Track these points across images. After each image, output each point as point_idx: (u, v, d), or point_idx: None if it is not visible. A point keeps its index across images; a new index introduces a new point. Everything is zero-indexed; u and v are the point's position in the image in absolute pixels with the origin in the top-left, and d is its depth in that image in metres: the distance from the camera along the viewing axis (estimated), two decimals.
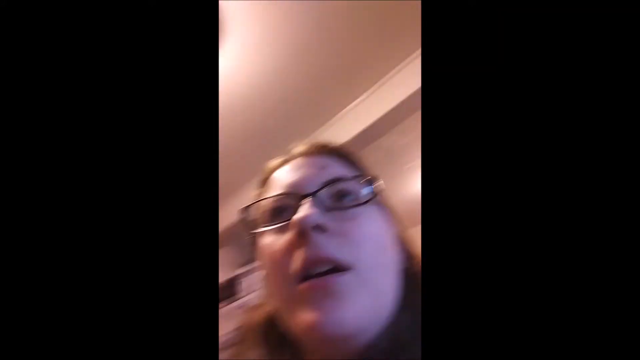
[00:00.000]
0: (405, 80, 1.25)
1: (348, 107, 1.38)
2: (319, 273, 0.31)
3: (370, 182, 0.36)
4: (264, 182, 0.41)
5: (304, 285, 0.31)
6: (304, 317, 0.31)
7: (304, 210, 0.32)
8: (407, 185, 1.91)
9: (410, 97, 1.23)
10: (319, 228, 0.32)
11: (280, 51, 1.14)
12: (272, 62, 1.17)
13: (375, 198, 0.36)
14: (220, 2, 0.95)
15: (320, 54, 1.17)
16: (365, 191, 0.36)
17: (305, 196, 0.34)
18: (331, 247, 0.32)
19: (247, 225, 0.37)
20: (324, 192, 0.35)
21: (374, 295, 0.32)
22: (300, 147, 0.42)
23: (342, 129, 1.42)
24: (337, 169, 0.38)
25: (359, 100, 1.36)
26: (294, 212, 0.33)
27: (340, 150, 0.41)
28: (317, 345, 0.33)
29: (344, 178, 0.36)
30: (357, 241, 0.33)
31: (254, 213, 0.38)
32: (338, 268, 0.31)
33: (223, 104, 1.26)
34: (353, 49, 1.16)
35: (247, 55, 1.15)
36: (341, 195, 0.35)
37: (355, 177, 0.37)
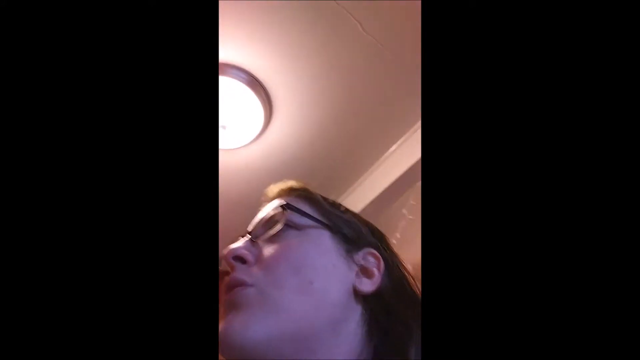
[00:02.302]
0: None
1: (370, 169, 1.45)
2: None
3: (284, 207, 0.39)
4: None
5: (222, 298, 0.36)
6: (220, 326, 0.35)
7: (233, 244, 0.39)
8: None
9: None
10: (238, 258, 0.38)
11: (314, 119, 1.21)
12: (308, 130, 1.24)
13: (293, 227, 0.39)
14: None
15: (344, 123, 1.25)
16: (281, 221, 0.39)
17: (246, 234, 0.41)
18: (242, 272, 0.37)
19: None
20: (258, 228, 0.40)
21: (274, 311, 0.34)
22: (272, 191, 0.46)
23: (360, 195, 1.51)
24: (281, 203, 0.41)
25: (366, 174, 1.44)
26: None
27: (300, 190, 0.44)
28: (226, 355, 0.35)
29: (271, 211, 0.40)
30: (265, 264, 0.37)
31: None
32: (242, 286, 0.36)
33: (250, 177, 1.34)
34: (372, 118, 1.25)
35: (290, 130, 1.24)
36: (269, 226, 0.40)
37: (277, 207, 0.40)
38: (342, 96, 1.17)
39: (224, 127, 1.12)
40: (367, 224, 0.45)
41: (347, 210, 0.45)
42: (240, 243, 0.39)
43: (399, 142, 1.36)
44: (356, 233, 0.42)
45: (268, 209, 0.41)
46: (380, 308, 0.38)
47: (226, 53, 0.99)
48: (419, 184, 1.33)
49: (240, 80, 1.03)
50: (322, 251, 0.39)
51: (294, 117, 1.19)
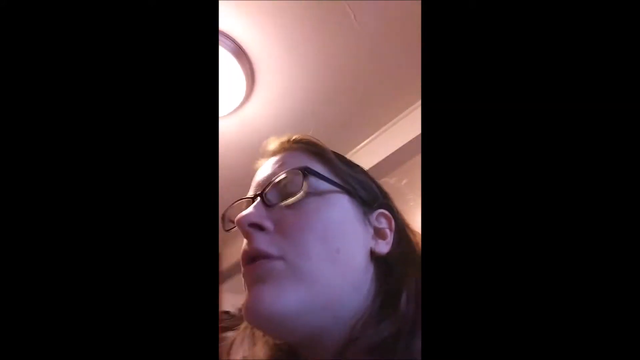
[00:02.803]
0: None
1: (355, 149, 1.46)
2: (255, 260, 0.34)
3: (305, 171, 0.37)
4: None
5: (244, 269, 0.35)
6: (246, 299, 0.34)
7: (246, 210, 0.36)
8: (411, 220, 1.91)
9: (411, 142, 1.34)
10: (255, 226, 0.35)
11: (298, 98, 1.19)
12: (291, 108, 1.22)
13: (312, 192, 0.37)
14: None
15: (329, 103, 1.24)
16: (301, 186, 0.36)
17: (257, 196, 0.37)
18: (263, 242, 0.34)
19: (225, 224, 0.40)
20: (272, 191, 0.37)
21: (305, 282, 0.33)
22: (274, 144, 0.43)
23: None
24: (293, 164, 0.38)
25: (364, 143, 1.45)
26: None
27: (310, 145, 0.42)
28: (256, 327, 0.35)
29: (288, 175, 0.37)
30: (289, 233, 0.35)
31: (232, 213, 0.40)
32: (269, 258, 0.34)
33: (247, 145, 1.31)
34: (358, 100, 1.25)
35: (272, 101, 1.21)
36: (286, 192, 0.37)
37: (296, 171, 0.37)
38: (327, 77, 1.15)
39: None
40: (375, 183, 0.44)
41: (360, 169, 0.43)
42: (253, 208, 0.36)
43: (382, 129, 1.35)
44: (371, 194, 0.41)
45: (278, 168, 0.39)
46: (390, 267, 0.38)
47: None
48: (405, 166, 1.36)
49: (225, 48, 0.99)
50: (343, 216, 0.38)
51: (275, 92, 1.17)
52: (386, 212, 0.41)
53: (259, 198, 0.37)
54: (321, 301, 0.33)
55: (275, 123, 1.26)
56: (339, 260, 0.35)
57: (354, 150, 1.45)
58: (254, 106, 1.20)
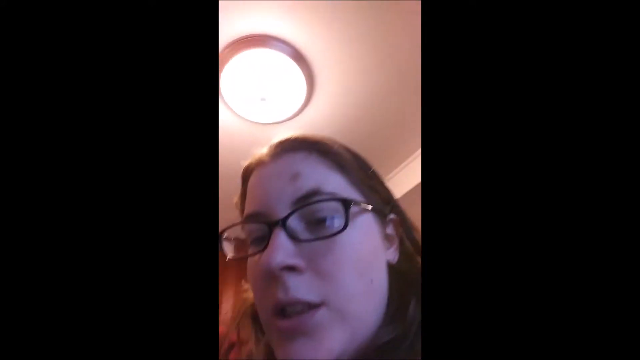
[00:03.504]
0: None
1: (415, 153, 1.45)
2: (292, 312, 0.30)
3: (347, 204, 0.31)
4: (243, 185, 0.38)
5: (280, 324, 0.30)
6: (282, 354, 0.30)
7: (273, 246, 0.30)
8: None
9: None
10: (288, 269, 0.30)
11: (356, 100, 1.15)
12: (349, 110, 1.18)
13: (354, 220, 0.32)
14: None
15: (387, 104, 1.22)
16: (339, 218, 0.31)
17: (275, 223, 0.31)
18: (301, 288, 0.30)
19: (225, 249, 0.35)
20: (295, 218, 0.31)
21: (351, 325, 0.30)
22: (271, 146, 0.36)
23: None
24: (311, 177, 0.33)
25: (404, 163, 1.44)
26: (267, 240, 0.31)
27: (322, 147, 0.35)
28: None
29: (318, 194, 0.31)
30: (329, 275, 0.30)
31: (232, 235, 0.35)
32: (310, 307, 0.30)
33: None
34: (416, 101, 1.21)
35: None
36: (314, 219, 0.31)
37: (331, 195, 0.32)
38: (386, 79, 1.11)
39: (263, 99, 1.10)
40: (384, 184, 0.39)
41: (373, 170, 0.38)
42: (279, 245, 0.30)
43: None
44: (385, 202, 0.36)
45: (293, 183, 0.32)
46: (398, 273, 0.35)
47: (271, 25, 0.95)
48: None
49: (284, 53, 1.00)
50: (370, 239, 0.33)
51: (336, 96, 1.15)
52: (396, 218, 0.37)
53: (280, 228, 0.31)
54: (360, 335, 0.31)
55: (335, 125, 1.25)
56: (374, 291, 0.32)
57: (415, 154, 1.40)
58: (314, 110, 1.20)
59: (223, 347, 0.40)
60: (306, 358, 0.29)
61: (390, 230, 0.36)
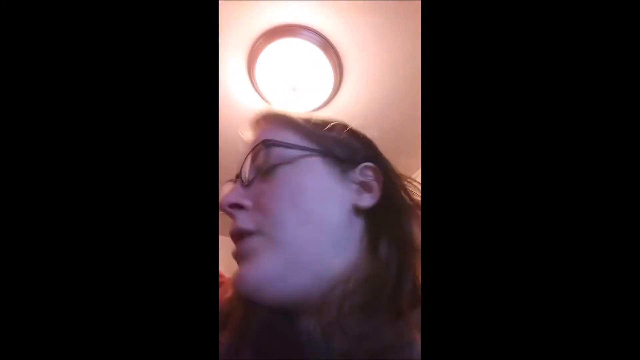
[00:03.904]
0: None
1: None
2: (236, 240, 0.37)
3: (267, 143, 0.38)
4: None
5: (232, 252, 0.37)
6: (234, 276, 0.37)
7: (227, 191, 0.38)
8: None
9: None
10: (235, 206, 0.37)
11: (385, 88, 1.19)
12: (379, 98, 1.22)
13: (282, 162, 0.38)
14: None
15: (414, 94, 1.19)
16: (269, 158, 0.38)
17: (237, 175, 0.40)
18: (243, 220, 0.36)
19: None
20: (247, 169, 0.39)
21: (283, 251, 0.35)
22: (250, 124, 0.45)
23: None
24: (263, 136, 0.40)
25: None
26: None
27: (277, 116, 0.42)
28: (245, 299, 0.36)
29: (254, 151, 0.39)
30: (263, 206, 0.36)
31: None
32: (247, 234, 0.36)
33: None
34: None
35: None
36: (264, 167, 0.38)
37: (259, 146, 0.39)
38: (414, 69, 1.13)
39: (294, 89, 1.16)
40: (360, 137, 0.43)
41: (334, 127, 0.42)
42: (232, 189, 0.38)
43: None
44: (348, 150, 0.41)
45: (251, 147, 0.40)
46: (381, 219, 0.38)
47: (300, 14, 1.01)
48: None
49: (313, 42, 1.05)
50: (315, 178, 0.38)
51: (364, 84, 1.19)
52: (372, 165, 0.40)
53: (237, 178, 0.39)
54: (298, 263, 0.34)
55: (364, 114, 1.28)
56: (312, 222, 0.36)
57: None
58: (343, 98, 1.24)
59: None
60: (245, 278, 0.35)
61: (364, 176, 0.40)
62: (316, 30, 1.04)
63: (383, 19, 1.01)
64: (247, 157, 0.40)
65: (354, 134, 0.43)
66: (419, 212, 0.39)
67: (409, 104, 1.25)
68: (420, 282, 0.35)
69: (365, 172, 0.40)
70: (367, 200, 0.39)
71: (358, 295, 0.34)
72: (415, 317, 0.32)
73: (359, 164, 0.40)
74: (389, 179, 0.41)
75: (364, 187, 0.40)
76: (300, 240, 0.35)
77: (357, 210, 0.38)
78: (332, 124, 0.42)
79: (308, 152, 0.39)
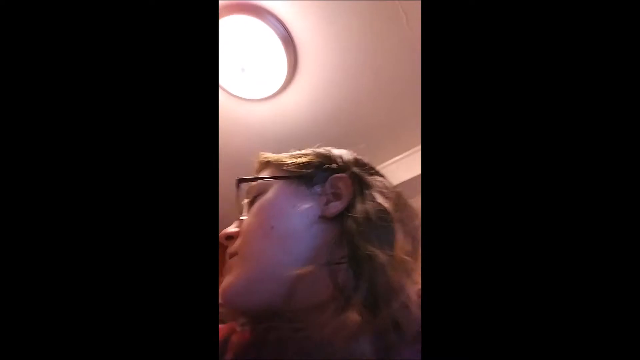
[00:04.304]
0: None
1: (397, 157, 1.46)
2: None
3: (239, 181, 0.47)
4: None
5: None
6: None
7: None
8: None
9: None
10: (229, 237, 0.45)
11: (336, 94, 1.16)
12: (327, 103, 1.19)
13: (259, 194, 0.45)
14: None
15: (365, 103, 1.22)
16: (250, 191, 0.46)
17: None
18: (230, 246, 0.44)
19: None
20: (240, 207, 0.47)
21: (246, 263, 0.41)
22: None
23: None
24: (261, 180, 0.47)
25: (405, 154, 1.44)
26: None
27: (267, 160, 0.50)
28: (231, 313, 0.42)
29: (237, 190, 0.47)
30: (244, 232, 0.43)
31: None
32: (231, 256, 0.43)
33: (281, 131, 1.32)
34: (396, 105, 1.23)
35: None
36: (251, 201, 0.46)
37: (236, 184, 0.47)
38: (368, 76, 1.12)
39: (243, 70, 1.09)
40: (332, 158, 0.48)
41: (305, 154, 0.48)
42: (231, 225, 0.45)
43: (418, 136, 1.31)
44: (316, 169, 0.46)
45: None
46: (349, 223, 0.41)
47: None
48: None
49: (273, 29, 0.99)
50: (280, 198, 0.44)
51: (315, 84, 1.16)
52: (341, 176, 0.45)
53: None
54: (263, 274, 0.40)
55: (309, 115, 1.25)
56: (273, 235, 0.41)
57: (397, 157, 1.41)
58: (291, 95, 1.20)
59: None
60: (220, 292, 0.40)
61: (334, 188, 0.44)
62: (277, 17, 0.99)
63: (347, 19, 0.99)
64: (236, 196, 0.47)
65: (326, 156, 0.48)
66: (393, 215, 0.42)
67: (358, 112, 1.24)
68: (386, 281, 0.37)
69: (335, 182, 0.45)
70: (335, 207, 0.43)
71: (320, 296, 0.37)
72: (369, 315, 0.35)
73: (326, 179, 0.45)
74: (360, 187, 0.44)
75: (335, 196, 0.44)
76: (262, 251, 0.41)
77: (325, 220, 0.42)
78: (302, 153, 0.49)
79: (276, 180, 0.46)
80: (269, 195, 0.44)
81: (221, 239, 0.43)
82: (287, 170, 0.46)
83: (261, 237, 0.41)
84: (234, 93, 1.17)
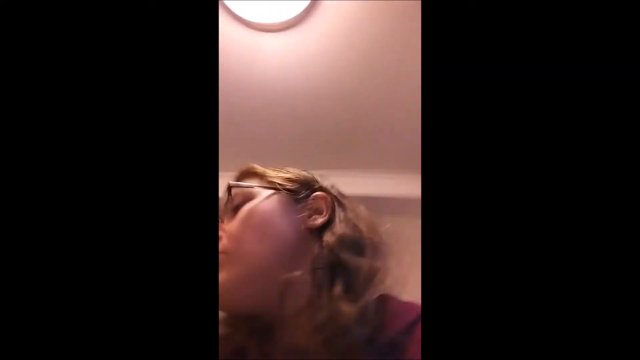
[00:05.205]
0: None
1: None
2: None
3: (230, 186, 0.51)
4: None
5: None
6: None
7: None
8: None
9: None
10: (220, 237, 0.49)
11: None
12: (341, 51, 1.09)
13: (246, 200, 0.50)
14: None
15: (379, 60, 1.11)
16: (237, 198, 0.51)
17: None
18: (220, 247, 0.48)
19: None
20: (224, 210, 0.52)
21: (239, 263, 0.46)
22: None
23: None
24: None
25: None
26: None
27: (254, 170, 0.56)
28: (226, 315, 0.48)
29: (226, 194, 0.51)
30: (228, 233, 0.48)
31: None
32: (220, 254, 0.46)
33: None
34: None
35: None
36: (232, 206, 0.51)
37: (227, 189, 0.51)
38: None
39: None
40: (313, 179, 0.57)
41: (290, 172, 0.56)
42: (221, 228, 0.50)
43: None
44: (300, 185, 0.54)
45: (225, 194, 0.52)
46: (330, 236, 0.49)
47: None
48: None
49: None
50: (269, 206, 0.50)
51: (336, 16, 1.09)
52: (322, 194, 0.54)
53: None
54: (256, 276, 0.45)
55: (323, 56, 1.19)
56: (265, 240, 0.47)
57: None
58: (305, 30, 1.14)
59: None
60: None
61: (317, 203, 0.53)
62: None
63: None
64: (223, 202, 0.51)
65: (308, 178, 0.56)
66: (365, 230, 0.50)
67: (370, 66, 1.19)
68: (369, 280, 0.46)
69: (317, 199, 0.53)
70: (317, 220, 0.51)
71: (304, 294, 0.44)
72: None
73: (310, 195, 0.53)
74: (343, 208, 0.53)
75: (317, 211, 0.52)
76: (252, 254, 0.46)
77: (311, 231, 0.50)
78: (288, 169, 0.56)
79: (264, 189, 0.52)
80: (262, 203, 0.50)
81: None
82: (272, 182, 0.53)
83: (252, 240, 0.47)
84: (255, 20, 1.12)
